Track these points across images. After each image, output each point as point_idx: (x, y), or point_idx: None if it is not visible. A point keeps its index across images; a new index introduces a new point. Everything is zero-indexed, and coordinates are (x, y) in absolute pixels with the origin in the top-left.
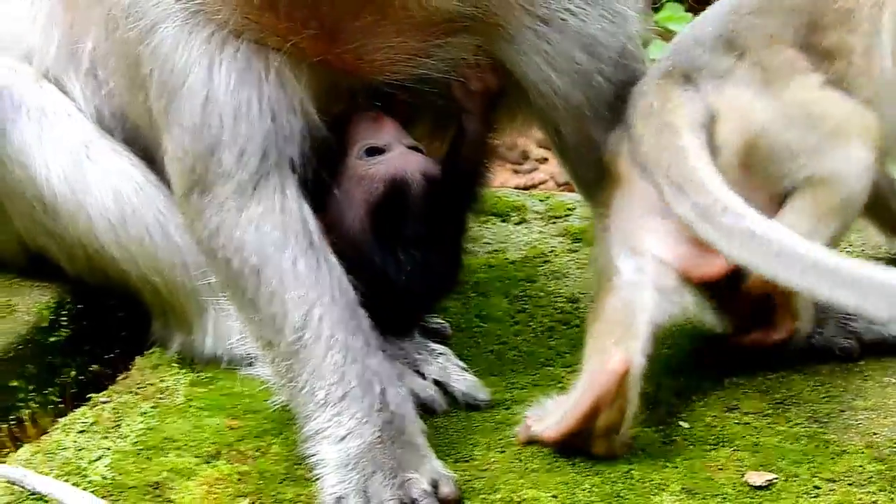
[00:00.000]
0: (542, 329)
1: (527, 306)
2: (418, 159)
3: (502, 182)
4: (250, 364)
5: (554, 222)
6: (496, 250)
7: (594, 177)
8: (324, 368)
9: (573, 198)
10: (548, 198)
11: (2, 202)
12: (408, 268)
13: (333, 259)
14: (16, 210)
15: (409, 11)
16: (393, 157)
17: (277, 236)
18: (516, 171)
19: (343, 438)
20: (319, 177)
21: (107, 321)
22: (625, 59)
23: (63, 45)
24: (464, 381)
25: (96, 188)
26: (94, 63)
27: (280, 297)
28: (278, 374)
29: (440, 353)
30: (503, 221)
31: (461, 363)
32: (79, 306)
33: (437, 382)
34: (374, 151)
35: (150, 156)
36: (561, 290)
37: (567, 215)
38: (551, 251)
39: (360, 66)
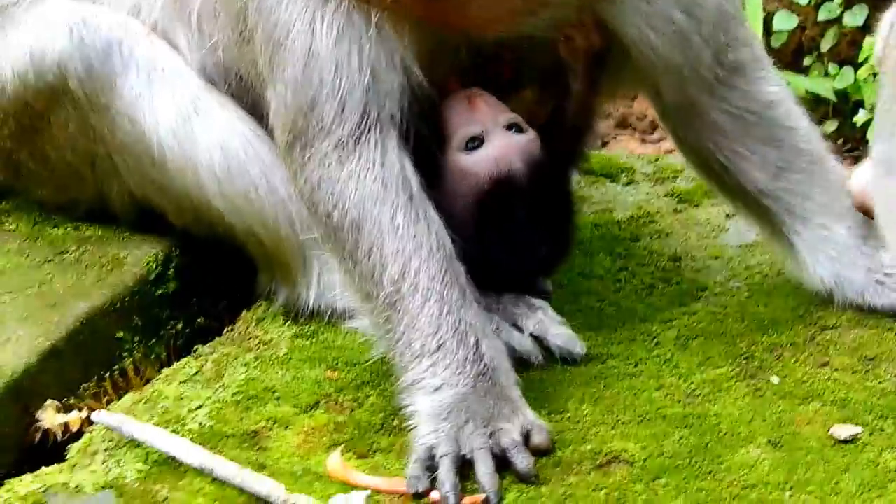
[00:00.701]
0: (642, 287)
1: (629, 265)
2: (519, 144)
3: (630, 151)
4: (351, 317)
5: (662, 183)
6: (603, 210)
7: (694, 136)
8: (420, 320)
9: (683, 160)
10: (657, 160)
11: (112, 156)
12: (518, 249)
13: (433, 212)
14: (125, 164)
15: None
16: (493, 148)
17: (377, 190)
18: (644, 141)
19: (437, 389)
20: (421, 134)
21: (214, 275)
22: (724, 20)
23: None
24: (561, 335)
25: (204, 142)
26: (201, 17)
27: (379, 250)
28: (376, 326)
29: (538, 308)
30: (612, 182)
31: (559, 317)
32: (186, 260)
33: (533, 336)
34: (473, 141)
35: (257, 109)
36: (664, 250)
37: (675, 177)
38: (657, 212)
39: (465, 22)
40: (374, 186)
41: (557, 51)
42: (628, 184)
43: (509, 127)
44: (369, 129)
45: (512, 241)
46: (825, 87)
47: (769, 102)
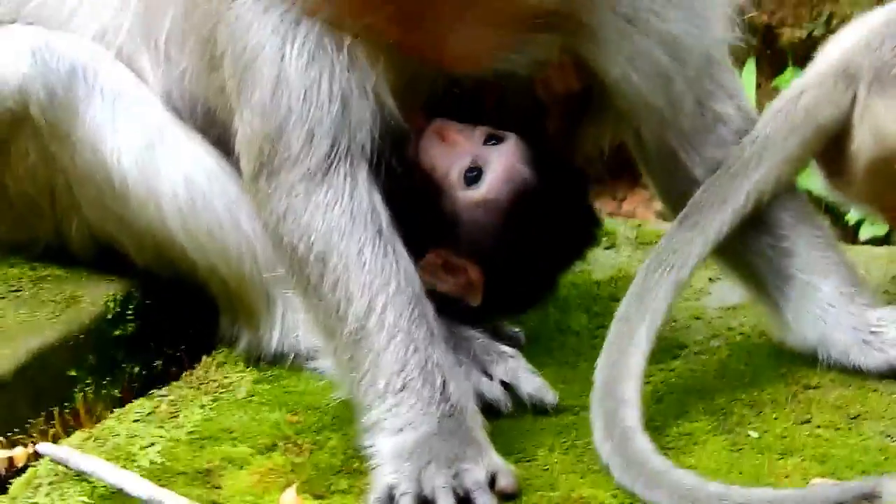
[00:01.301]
0: None
1: (607, 322)
2: (511, 152)
3: (638, 205)
4: (314, 357)
5: (643, 248)
6: (582, 271)
7: (675, 187)
8: (385, 358)
9: (667, 226)
10: (640, 225)
11: (72, 188)
12: (555, 249)
13: (401, 248)
14: (86, 195)
15: (494, 3)
16: (495, 168)
17: (345, 223)
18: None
19: (401, 430)
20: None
21: (174, 318)
22: (710, 67)
23: (138, 23)
24: (532, 382)
25: (168, 174)
26: (168, 43)
27: (344, 285)
28: (340, 364)
29: (509, 356)
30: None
31: (530, 366)
32: (146, 302)
33: (503, 383)
34: (472, 172)
35: (223, 143)
36: None
37: (658, 242)
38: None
39: (441, 56)
40: (342, 219)
41: (535, 92)
42: (609, 247)
43: (488, 141)
44: (339, 161)
45: (549, 243)
46: (817, 184)
47: None
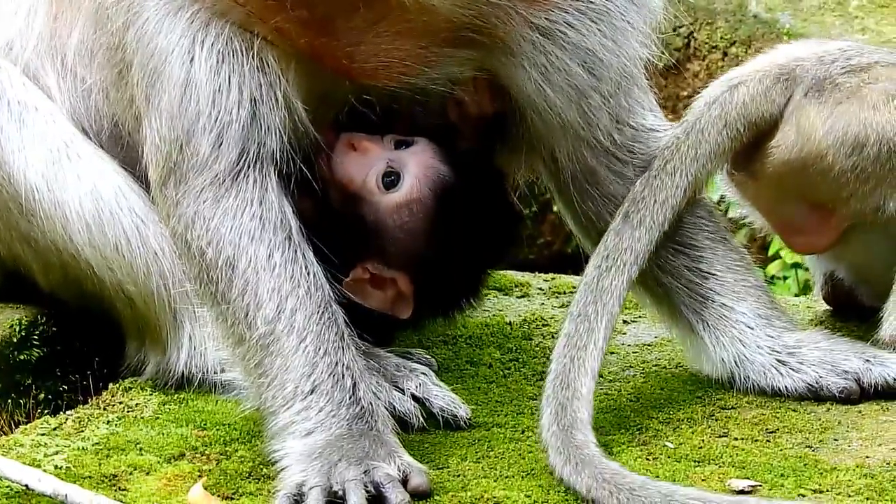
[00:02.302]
0: (532, 374)
1: (520, 356)
2: (424, 153)
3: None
4: (222, 370)
5: (557, 297)
6: (494, 315)
7: (590, 206)
8: (295, 361)
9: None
10: (553, 279)
11: None
12: (484, 241)
13: (311, 254)
14: None
15: (406, 14)
16: (412, 169)
17: (254, 227)
18: None
19: (310, 433)
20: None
21: (80, 345)
22: (626, 82)
23: (45, 38)
24: (444, 396)
25: (74, 188)
26: (76, 58)
27: (253, 288)
28: (248, 371)
29: (421, 372)
30: (504, 295)
31: (442, 383)
32: (53, 329)
33: (415, 398)
34: (389, 177)
35: (129, 164)
36: None
37: (572, 292)
38: (552, 318)
39: (353, 68)
40: (251, 224)
41: (448, 112)
42: (522, 296)
43: (398, 146)
44: (248, 166)
45: (475, 239)
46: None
47: None
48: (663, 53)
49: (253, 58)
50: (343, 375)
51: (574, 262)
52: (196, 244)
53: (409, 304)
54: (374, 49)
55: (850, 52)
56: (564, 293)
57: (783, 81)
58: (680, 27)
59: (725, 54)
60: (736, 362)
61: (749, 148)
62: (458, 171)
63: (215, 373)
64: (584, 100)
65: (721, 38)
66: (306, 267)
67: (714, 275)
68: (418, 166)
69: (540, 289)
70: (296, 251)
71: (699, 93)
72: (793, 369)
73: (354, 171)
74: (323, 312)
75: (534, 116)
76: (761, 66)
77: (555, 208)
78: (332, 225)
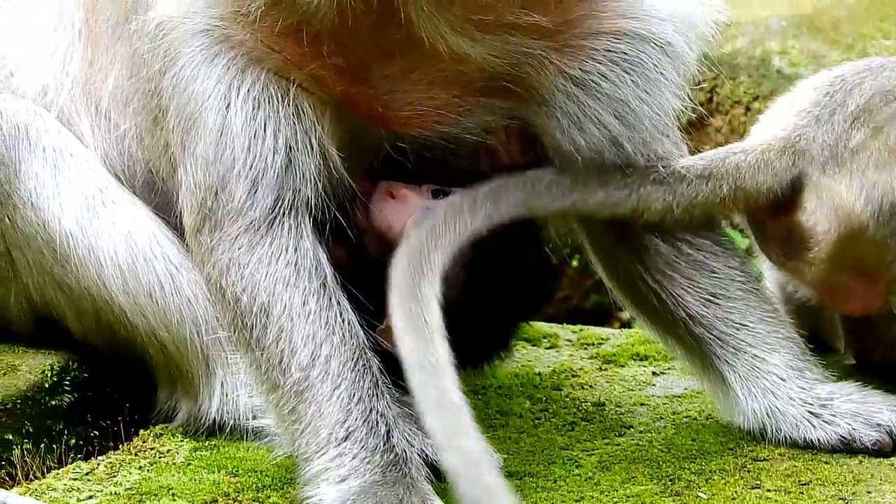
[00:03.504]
0: (563, 424)
1: (550, 407)
2: None
3: None
4: (255, 416)
5: (585, 348)
6: (523, 366)
7: (625, 262)
8: (329, 408)
9: (608, 331)
10: (581, 330)
11: (11, 254)
12: (511, 289)
13: (345, 301)
14: (25, 259)
15: (441, 63)
16: None
17: (289, 274)
18: None
19: (344, 479)
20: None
21: (112, 391)
22: (659, 134)
23: (79, 83)
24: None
25: (108, 234)
26: (111, 103)
27: (288, 335)
28: (281, 417)
29: None
30: (533, 346)
31: None
32: (84, 375)
33: None
34: None
35: (162, 210)
36: (587, 398)
37: (601, 343)
38: (580, 368)
39: (387, 116)
40: (287, 271)
41: (480, 162)
42: (550, 347)
43: (436, 195)
44: (283, 214)
45: (510, 290)
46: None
47: (702, 227)
48: (694, 105)
49: (288, 105)
50: (377, 422)
51: (593, 317)
52: (231, 291)
53: None
54: (409, 97)
55: (842, 91)
56: (593, 344)
57: (788, 155)
58: (703, 82)
59: (748, 109)
60: (768, 414)
61: (786, 241)
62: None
63: (247, 419)
64: (618, 149)
65: (744, 92)
66: (341, 314)
67: (746, 326)
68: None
69: (568, 340)
70: (330, 298)
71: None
72: (825, 421)
73: (393, 218)
74: (357, 359)
75: (567, 166)
76: (765, 136)
77: (574, 263)
78: (367, 272)
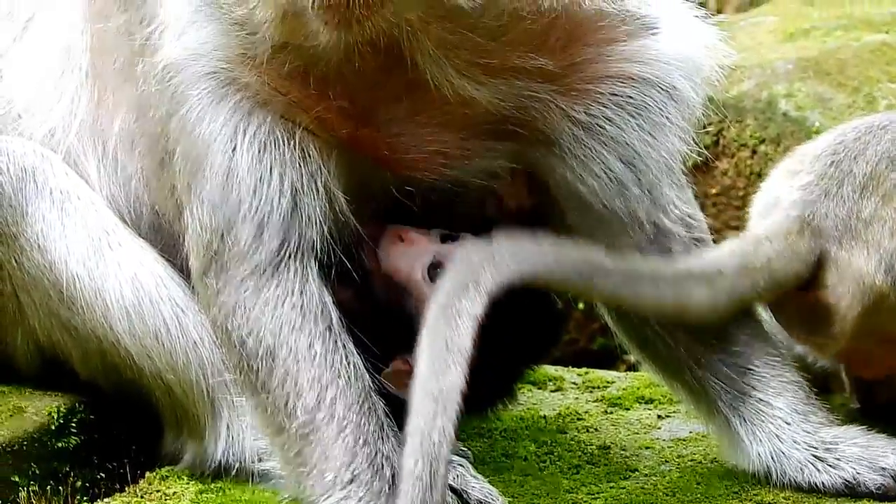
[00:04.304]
0: (568, 467)
1: (555, 450)
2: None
3: None
4: (261, 459)
5: (591, 391)
6: (528, 409)
7: (632, 318)
8: (334, 450)
9: (614, 374)
10: (587, 373)
11: (17, 295)
12: (520, 336)
13: (350, 344)
14: (31, 301)
15: (447, 106)
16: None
17: (295, 318)
18: None
19: None
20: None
21: (118, 433)
22: (664, 176)
23: (87, 124)
24: (481, 488)
25: (115, 277)
26: (118, 145)
27: (293, 378)
28: (287, 460)
29: (458, 464)
30: (538, 389)
31: (479, 474)
32: (91, 416)
33: (452, 490)
34: (434, 269)
35: (168, 248)
36: (592, 440)
37: (606, 386)
38: (586, 412)
39: (393, 159)
40: (292, 314)
41: (485, 206)
42: (556, 390)
43: (444, 240)
44: (289, 257)
45: (517, 335)
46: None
47: None
48: (700, 148)
49: (294, 147)
50: (382, 465)
51: (600, 359)
52: (236, 333)
53: None
54: (415, 140)
55: (847, 160)
56: (598, 387)
57: (808, 237)
58: (709, 125)
59: (755, 152)
60: (773, 457)
61: (810, 318)
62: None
63: (253, 462)
64: (625, 190)
65: (750, 136)
66: (346, 357)
67: (751, 370)
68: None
69: (573, 383)
70: (336, 341)
71: (728, 191)
72: (830, 465)
73: (401, 262)
74: (363, 402)
75: (573, 209)
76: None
77: (580, 306)
78: (374, 316)
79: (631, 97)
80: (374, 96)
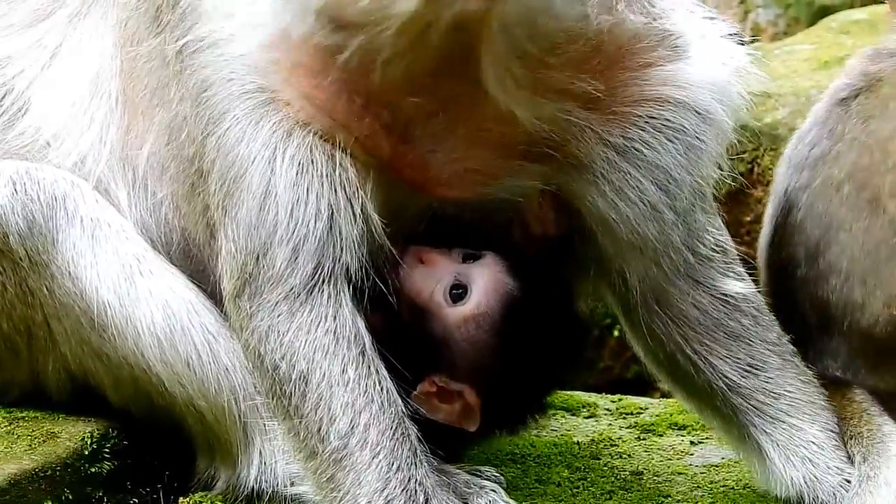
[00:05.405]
0: (601, 493)
1: (588, 476)
2: (492, 266)
3: None
4: (293, 483)
5: (624, 417)
6: (562, 435)
7: (662, 332)
8: (368, 476)
9: (647, 400)
10: (620, 399)
11: (49, 323)
12: (547, 358)
13: (383, 369)
14: (63, 329)
15: (486, 123)
16: (480, 282)
17: (328, 342)
18: None
19: None
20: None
21: (151, 459)
22: (700, 203)
23: (116, 151)
24: None
25: (146, 304)
26: (147, 171)
27: (327, 403)
28: (320, 486)
29: (491, 490)
30: (572, 415)
31: (512, 501)
32: (124, 442)
33: None
34: (457, 289)
35: (198, 274)
36: (625, 466)
37: (639, 412)
38: (619, 438)
39: (428, 178)
40: (326, 339)
41: (512, 232)
42: (589, 417)
43: (466, 259)
44: (323, 282)
45: (543, 352)
46: None
47: (740, 297)
48: (733, 174)
49: (333, 170)
50: (416, 491)
51: (634, 387)
52: (269, 358)
53: (475, 417)
54: (450, 157)
55: None
56: (632, 414)
57: None
58: (743, 152)
59: None
60: (806, 482)
61: None
62: (525, 286)
63: (286, 487)
64: (659, 215)
65: None
66: (380, 382)
67: (784, 395)
68: (486, 280)
69: (607, 409)
70: (369, 366)
71: (762, 218)
72: (865, 489)
73: (422, 284)
74: (396, 428)
75: (605, 235)
76: None
77: (615, 333)
78: (402, 338)
79: (669, 120)
80: (415, 107)
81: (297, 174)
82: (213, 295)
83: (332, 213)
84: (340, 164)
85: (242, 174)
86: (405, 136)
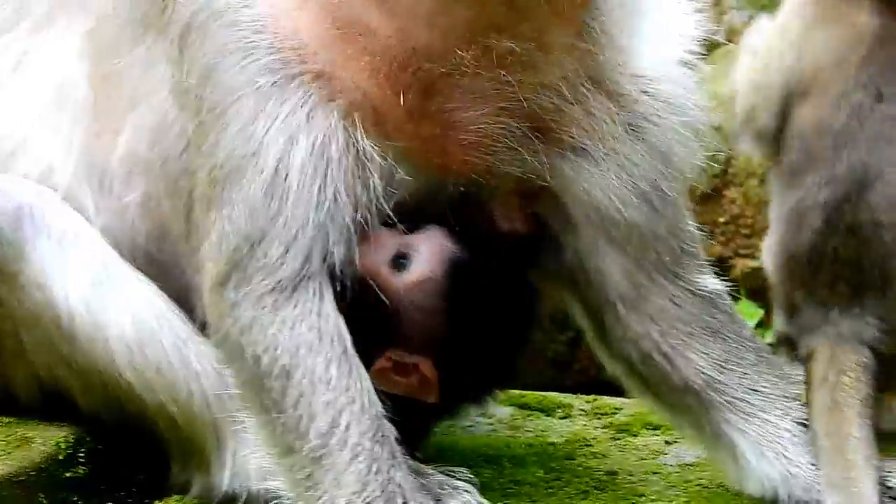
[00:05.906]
0: (576, 493)
1: (563, 476)
2: (435, 234)
3: None
4: (266, 478)
5: (599, 418)
6: (537, 436)
7: (638, 329)
8: (346, 477)
9: (622, 400)
10: (595, 399)
11: (18, 332)
12: (498, 331)
13: (363, 369)
14: (32, 339)
15: (505, 88)
16: (424, 248)
17: (312, 339)
18: None
19: None
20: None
21: (126, 464)
22: (685, 206)
23: (83, 157)
24: None
25: (115, 311)
26: (116, 175)
27: (308, 400)
28: (296, 483)
29: (465, 490)
30: (547, 416)
31: (486, 501)
32: (99, 447)
33: None
34: (400, 258)
35: (164, 280)
36: (600, 466)
37: (614, 413)
38: (594, 438)
39: (445, 152)
40: (310, 335)
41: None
42: (564, 417)
43: (410, 231)
44: (308, 278)
45: (494, 316)
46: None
47: (716, 294)
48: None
49: (346, 158)
50: (394, 493)
51: (609, 387)
52: (251, 350)
53: (434, 387)
54: (464, 125)
55: None
56: (606, 414)
57: None
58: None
59: (762, 181)
60: (781, 478)
61: None
62: (469, 246)
63: (259, 489)
64: (650, 203)
65: (759, 164)
66: (360, 382)
67: (758, 391)
68: (428, 246)
69: (582, 410)
70: (350, 365)
71: (737, 219)
72: None
73: (367, 260)
74: (377, 430)
75: (590, 226)
76: None
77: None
78: (356, 318)
79: (670, 97)
80: (442, 67)
81: (313, 161)
82: (180, 300)
83: (340, 202)
84: (356, 149)
85: (254, 153)
86: (425, 110)
